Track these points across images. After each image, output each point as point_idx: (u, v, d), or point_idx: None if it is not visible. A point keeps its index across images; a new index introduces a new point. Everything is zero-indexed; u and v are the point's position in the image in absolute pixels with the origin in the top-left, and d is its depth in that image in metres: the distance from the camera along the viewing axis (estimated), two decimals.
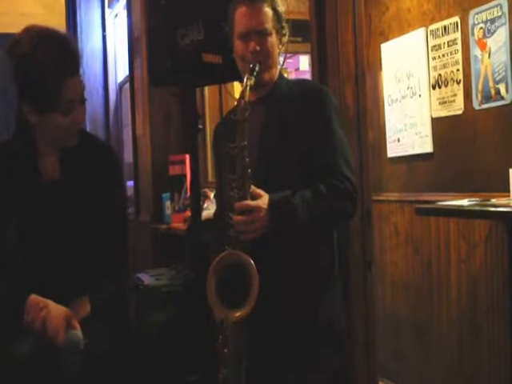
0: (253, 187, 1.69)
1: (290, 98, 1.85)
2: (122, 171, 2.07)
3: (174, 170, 3.55)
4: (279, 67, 1.95)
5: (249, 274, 1.60)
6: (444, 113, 3.05)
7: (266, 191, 1.71)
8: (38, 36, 1.72)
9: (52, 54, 1.70)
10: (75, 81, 1.76)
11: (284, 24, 1.88)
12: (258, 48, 1.79)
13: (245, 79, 1.75)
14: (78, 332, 1.67)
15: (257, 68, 1.77)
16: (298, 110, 1.82)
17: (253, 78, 1.75)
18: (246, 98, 1.70)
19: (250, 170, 1.68)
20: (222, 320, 1.69)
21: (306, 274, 1.79)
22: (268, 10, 1.82)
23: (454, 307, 2.91)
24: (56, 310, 1.67)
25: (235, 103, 1.77)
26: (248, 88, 1.72)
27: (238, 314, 1.61)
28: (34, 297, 1.69)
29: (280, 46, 1.88)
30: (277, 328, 1.76)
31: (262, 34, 1.81)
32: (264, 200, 1.69)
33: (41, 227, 1.79)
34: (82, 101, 1.80)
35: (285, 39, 1.91)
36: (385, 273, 3.46)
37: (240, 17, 1.83)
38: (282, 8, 1.88)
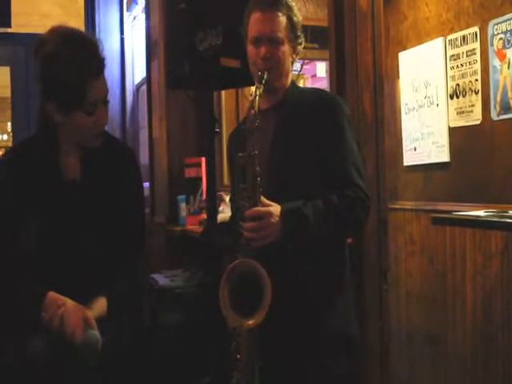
0: (263, 198, 1.69)
1: (301, 107, 1.85)
2: (141, 173, 2.09)
3: (189, 173, 3.57)
4: (294, 73, 1.94)
5: (261, 282, 1.59)
6: (461, 123, 3.03)
7: (278, 199, 1.71)
8: (63, 36, 1.75)
9: (77, 54, 1.72)
10: (100, 82, 1.78)
11: (299, 33, 1.86)
12: (268, 55, 1.79)
13: (254, 89, 1.75)
14: (96, 332, 1.66)
15: (265, 76, 1.76)
16: (309, 119, 1.82)
17: (262, 87, 1.75)
18: (256, 108, 1.70)
19: (259, 179, 1.68)
20: (235, 327, 1.68)
21: (316, 281, 1.78)
22: (282, 19, 1.81)
23: (468, 319, 2.89)
24: (74, 307, 1.68)
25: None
26: (258, 97, 1.72)
27: (251, 322, 1.61)
28: (52, 294, 1.70)
29: (294, 56, 1.87)
30: (288, 334, 1.76)
31: (274, 42, 1.80)
32: (275, 208, 1.69)
33: (61, 226, 1.80)
34: (105, 102, 1.82)
35: (300, 48, 1.89)
36: (399, 282, 3.43)
37: (254, 22, 1.83)
38: (298, 17, 1.86)
